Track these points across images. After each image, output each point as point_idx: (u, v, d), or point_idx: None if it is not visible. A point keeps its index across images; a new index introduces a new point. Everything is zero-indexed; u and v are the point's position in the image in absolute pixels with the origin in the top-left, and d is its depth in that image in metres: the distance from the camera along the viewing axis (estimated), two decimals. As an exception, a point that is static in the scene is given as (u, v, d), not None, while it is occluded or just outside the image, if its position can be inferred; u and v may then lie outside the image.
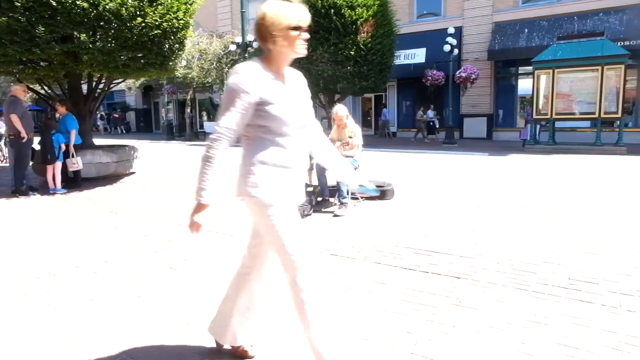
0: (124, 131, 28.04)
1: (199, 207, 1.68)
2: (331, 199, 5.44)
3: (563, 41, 12.44)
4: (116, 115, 29.04)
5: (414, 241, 3.88)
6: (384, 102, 20.17)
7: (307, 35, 1.69)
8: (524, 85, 16.46)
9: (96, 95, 8.53)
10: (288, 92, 1.73)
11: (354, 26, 14.16)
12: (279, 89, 1.69)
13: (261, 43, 1.69)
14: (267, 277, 1.99)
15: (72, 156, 6.89)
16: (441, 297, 2.70)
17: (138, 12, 6.63)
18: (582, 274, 3.02)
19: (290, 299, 1.76)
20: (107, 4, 6.24)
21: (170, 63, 8.04)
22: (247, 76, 1.63)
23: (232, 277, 2.04)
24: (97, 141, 9.08)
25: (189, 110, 22.47)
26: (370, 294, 2.77)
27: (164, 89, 22.03)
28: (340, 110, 5.36)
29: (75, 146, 6.94)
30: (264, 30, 1.64)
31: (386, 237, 4.04)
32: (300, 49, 1.69)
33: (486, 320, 2.39)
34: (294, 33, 1.64)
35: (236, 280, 2.01)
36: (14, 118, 6.25)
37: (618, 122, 12.26)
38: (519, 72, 16.84)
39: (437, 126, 17.14)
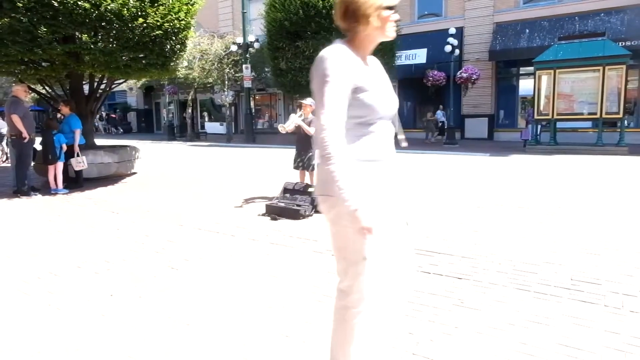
0: (122, 131, 28.09)
1: (355, 214, 1.40)
2: (332, 200, 5.43)
3: (564, 41, 12.43)
4: (113, 116, 29.15)
5: (415, 242, 3.88)
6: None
7: (397, 17, 1.53)
8: (525, 86, 16.43)
9: (98, 95, 8.55)
10: (377, 79, 1.57)
11: (355, 27, 14.17)
12: (369, 74, 1.53)
13: (347, 25, 1.52)
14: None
15: (78, 155, 6.91)
16: (442, 298, 2.69)
17: (139, 13, 6.64)
18: (584, 274, 3.02)
19: (335, 303, 1.67)
20: (108, 5, 6.26)
21: (172, 63, 8.05)
22: (339, 60, 1.45)
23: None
24: (98, 142, 9.09)
25: (189, 110, 22.51)
26: (371, 295, 2.76)
27: (165, 89, 22.06)
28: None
29: (78, 146, 6.97)
30: (354, 9, 1.47)
31: (387, 237, 4.03)
32: (391, 31, 1.53)
33: (488, 321, 2.38)
34: (387, 13, 1.49)
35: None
36: (15, 118, 6.26)
37: (619, 122, 12.25)
38: (520, 72, 16.82)
39: (446, 127, 17.05)
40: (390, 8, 1.49)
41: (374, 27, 1.49)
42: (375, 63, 1.65)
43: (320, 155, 1.43)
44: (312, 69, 1.50)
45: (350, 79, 1.45)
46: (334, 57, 1.45)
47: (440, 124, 16.88)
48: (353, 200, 1.39)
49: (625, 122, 12.54)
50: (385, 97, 1.56)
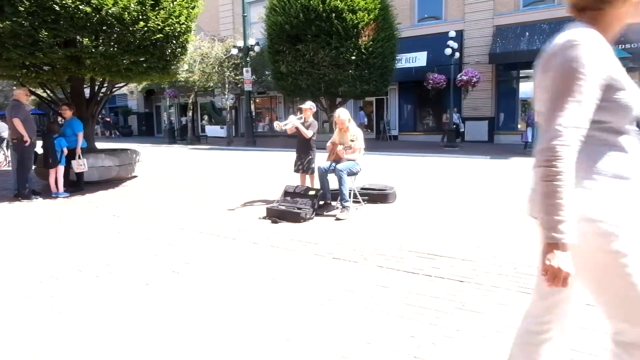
0: (120, 135, 28.08)
1: (558, 248, 1.12)
2: (333, 203, 5.44)
3: (564, 44, 12.46)
4: (108, 119, 29.20)
5: (417, 244, 3.88)
6: (364, 106, 20.58)
7: None
8: (525, 89, 16.47)
9: (98, 99, 8.57)
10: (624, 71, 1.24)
11: (355, 30, 14.22)
12: (620, 66, 1.22)
13: (596, 2, 1.24)
14: (569, 324, 1.46)
15: (79, 157, 6.93)
16: (444, 301, 2.69)
17: (140, 17, 6.66)
18: (585, 277, 3.01)
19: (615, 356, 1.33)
20: (109, 9, 6.28)
21: (172, 67, 8.07)
22: (594, 50, 1.16)
23: (514, 343, 1.52)
24: (96, 145, 9.11)
25: (189, 113, 22.56)
26: (372, 298, 2.76)
27: (165, 92, 22.11)
28: (342, 114, 5.38)
29: (81, 149, 6.99)
30: None
31: (388, 240, 4.04)
32: None
33: (490, 324, 2.38)
34: None
35: (526, 348, 1.46)
36: (17, 122, 6.27)
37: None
38: (520, 75, 16.86)
39: (462, 129, 16.61)
40: None
41: (633, 2, 1.22)
42: None
43: (545, 170, 1.16)
44: (550, 54, 1.23)
45: (605, 74, 1.17)
46: (589, 44, 1.16)
47: (454, 126, 16.44)
48: (567, 236, 1.11)
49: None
50: (638, 93, 1.24)
